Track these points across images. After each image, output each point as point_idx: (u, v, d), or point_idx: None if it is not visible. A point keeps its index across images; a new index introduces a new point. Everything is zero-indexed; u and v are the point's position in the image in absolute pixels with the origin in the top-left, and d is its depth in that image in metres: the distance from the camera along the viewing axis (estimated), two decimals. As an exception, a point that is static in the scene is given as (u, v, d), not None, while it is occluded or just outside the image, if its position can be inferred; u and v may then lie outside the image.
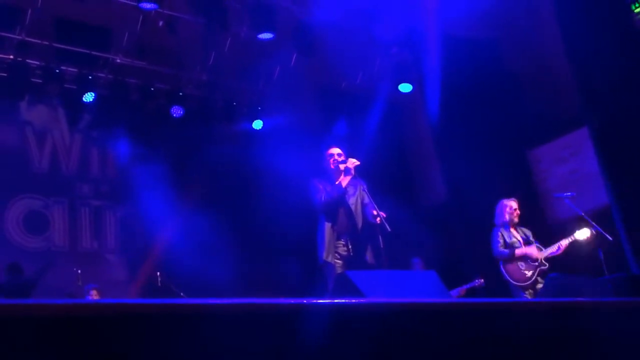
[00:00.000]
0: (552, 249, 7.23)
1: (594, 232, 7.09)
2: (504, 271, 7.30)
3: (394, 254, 6.25)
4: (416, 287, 4.80)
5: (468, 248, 9.98)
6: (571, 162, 10.32)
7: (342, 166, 6.27)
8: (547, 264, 7.19)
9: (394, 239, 5.98)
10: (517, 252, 7.22)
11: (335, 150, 6.42)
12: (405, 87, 11.52)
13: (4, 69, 9.64)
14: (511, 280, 7.23)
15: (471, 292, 8.87)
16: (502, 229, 7.42)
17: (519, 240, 7.34)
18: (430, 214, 11.49)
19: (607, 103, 7.91)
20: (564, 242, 7.19)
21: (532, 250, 7.23)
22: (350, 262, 6.04)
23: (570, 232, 7.24)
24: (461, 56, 9.94)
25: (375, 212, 5.93)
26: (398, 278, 4.86)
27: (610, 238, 7.02)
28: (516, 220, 7.48)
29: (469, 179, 9.83)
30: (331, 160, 6.37)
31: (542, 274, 7.15)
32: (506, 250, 7.25)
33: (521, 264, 7.23)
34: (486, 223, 7.63)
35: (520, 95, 10.66)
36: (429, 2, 9.49)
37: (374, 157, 10.09)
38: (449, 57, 9.81)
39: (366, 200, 6.22)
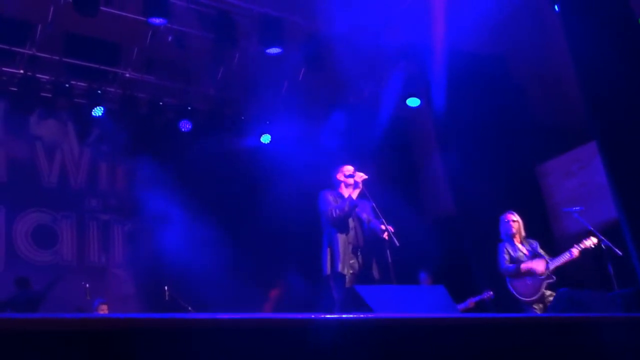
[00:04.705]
0: (563, 259, 7.08)
1: (602, 245, 7.00)
2: (511, 287, 7.23)
3: (402, 268, 6.23)
4: (425, 301, 4.79)
5: (476, 261, 9.93)
6: (580, 176, 10.27)
7: (350, 180, 6.33)
8: (555, 277, 7.08)
9: (402, 253, 5.98)
10: (522, 266, 7.13)
11: (348, 168, 6.49)
12: (413, 102, 11.52)
13: (15, 84, 9.72)
14: (519, 297, 7.16)
15: (481, 305, 8.82)
16: (506, 244, 7.37)
17: (525, 254, 7.25)
18: (439, 228, 11.46)
19: (616, 117, 7.87)
20: (575, 250, 7.04)
21: (538, 265, 7.11)
22: (360, 275, 6.07)
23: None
24: (469, 70, 9.95)
25: (383, 227, 5.94)
26: (406, 293, 4.85)
27: (620, 252, 6.95)
28: (516, 231, 7.37)
29: (477, 193, 9.80)
30: (341, 175, 6.44)
31: (549, 287, 7.06)
32: (512, 266, 7.18)
33: (527, 279, 7.13)
34: (494, 236, 7.60)
35: (528, 110, 10.65)
36: (437, 17, 9.52)
37: (382, 170, 10.10)
38: (456, 71, 9.81)
39: (372, 215, 6.26)
